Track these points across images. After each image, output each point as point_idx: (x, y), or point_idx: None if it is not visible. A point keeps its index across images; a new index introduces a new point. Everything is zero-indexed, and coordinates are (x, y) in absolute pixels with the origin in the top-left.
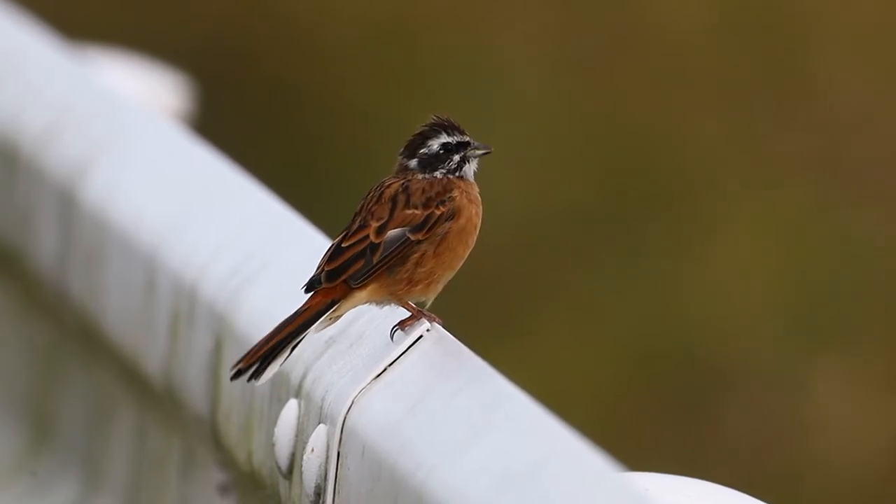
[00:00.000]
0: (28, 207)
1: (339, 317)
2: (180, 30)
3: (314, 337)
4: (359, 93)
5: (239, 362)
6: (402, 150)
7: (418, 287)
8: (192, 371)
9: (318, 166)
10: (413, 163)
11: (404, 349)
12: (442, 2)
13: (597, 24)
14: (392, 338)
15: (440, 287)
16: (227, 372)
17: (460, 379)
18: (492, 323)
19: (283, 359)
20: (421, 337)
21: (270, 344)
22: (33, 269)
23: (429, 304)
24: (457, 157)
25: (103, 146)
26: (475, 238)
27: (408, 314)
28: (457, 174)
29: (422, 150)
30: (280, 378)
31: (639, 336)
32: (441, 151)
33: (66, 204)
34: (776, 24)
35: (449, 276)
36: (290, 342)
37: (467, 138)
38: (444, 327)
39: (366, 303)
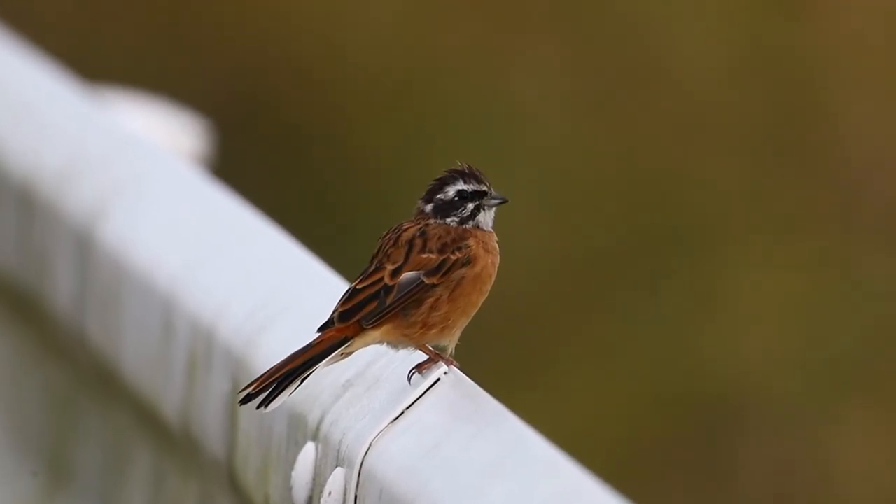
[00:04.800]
0: (45, 250)
1: (350, 353)
2: (198, 73)
3: (332, 380)
4: (374, 139)
5: (248, 386)
6: (423, 194)
7: (433, 331)
8: (209, 414)
9: (334, 211)
10: (428, 207)
11: (422, 392)
12: (457, 47)
13: (614, 68)
14: (409, 381)
15: (457, 333)
16: (244, 414)
17: (478, 422)
18: (509, 366)
19: (293, 390)
20: (438, 380)
21: (282, 372)
22: (50, 311)
23: (450, 349)
24: (471, 206)
25: (120, 188)
26: (490, 286)
27: (425, 357)
28: (470, 223)
29: (438, 196)
30: (297, 421)
31: (656, 380)
32: (456, 198)
33: (83, 246)
34: (793, 70)
35: (464, 322)
36: (300, 373)
37: (484, 187)
38: (461, 370)
39: (379, 343)
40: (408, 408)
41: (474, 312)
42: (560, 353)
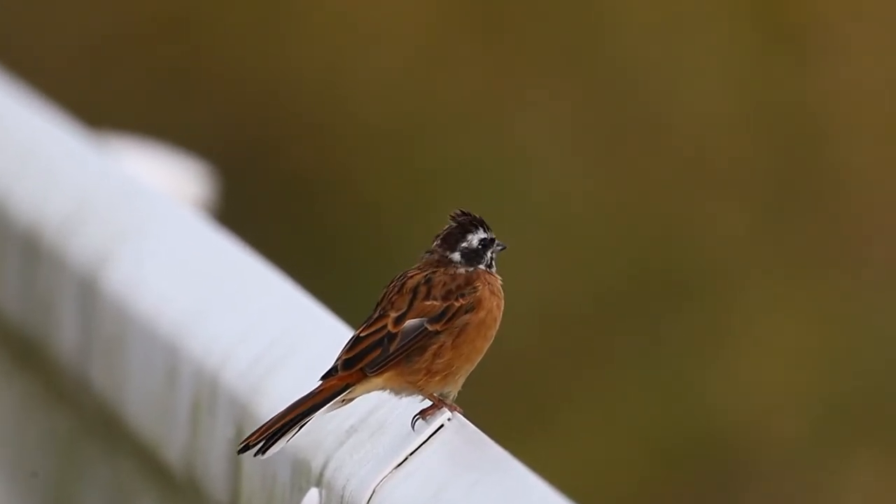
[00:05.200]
0: (50, 296)
1: (351, 400)
2: (203, 120)
3: (335, 426)
4: (378, 187)
5: (247, 438)
6: (438, 242)
7: (437, 378)
8: (213, 460)
9: (338, 258)
10: (456, 256)
11: (425, 438)
12: (462, 96)
13: (619, 117)
14: (413, 427)
15: (461, 380)
16: (248, 460)
17: (481, 468)
18: (513, 413)
19: (291, 436)
20: (442, 426)
21: (280, 423)
22: (55, 357)
23: (452, 396)
24: (489, 254)
25: (125, 235)
26: (495, 331)
27: (429, 403)
28: (492, 269)
29: (463, 245)
30: (301, 466)
31: (663, 426)
32: (480, 247)
33: (88, 293)
34: (797, 118)
35: (468, 368)
36: (299, 421)
37: (493, 235)
38: (465, 416)
39: (381, 389)
40: (411, 454)
41: (479, 359)
42: (565, 399)
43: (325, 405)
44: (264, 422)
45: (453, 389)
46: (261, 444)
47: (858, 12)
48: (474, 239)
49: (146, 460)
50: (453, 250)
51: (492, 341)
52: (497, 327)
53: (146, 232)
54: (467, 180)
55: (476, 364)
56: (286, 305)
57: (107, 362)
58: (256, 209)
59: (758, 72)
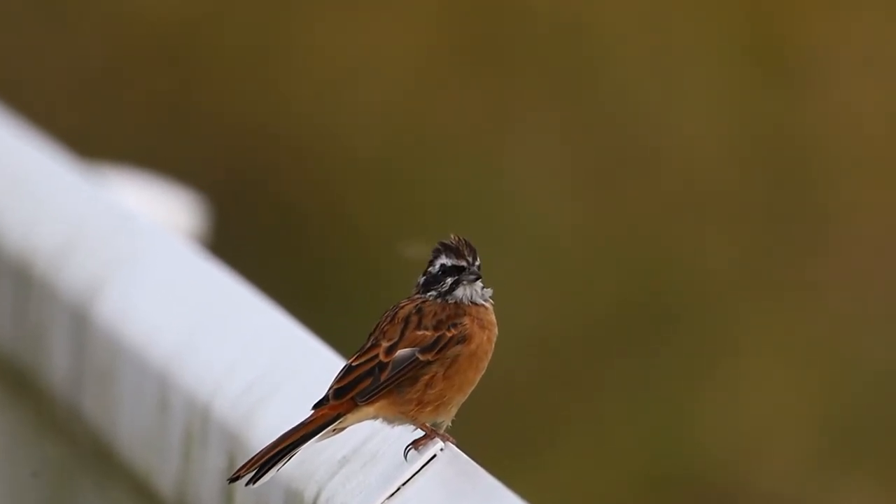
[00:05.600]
0: (41, 326)
1: (342, 429)
2: (194, 151)
3: (328, 456)
4: (369, 218)
5: (239, 469)
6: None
7: (429, 408)
8: (204, 489)
9: (328, 287)
10: (420, 280)
11: (418, 468)
12: (453, 125)
13: (611, 146)
14: (406, 457)
15: (453, 410)
16: (240, 490)
17: (474, 499)
18: (506, 443)
19: (282, 465)
20: (434, 456)
21: (271, 453)
22: (46, 387)
23: (444, 427)
24: (449, 280)
25: (116, 265)
26: (486, 363)
27: (421, 433)
28: (448, 297)
29: (428, 269)
30: (294, 497)
31: (653, 457)
32: (439, 272)
33: (80, 322)
34: (789, 150)
35: (460, 399)
36: (290, 451)
37: (463, 262)
38: (457, 447)
39: (373, 419)
40: (404, 484)
41: (471, 389)
42: (558, 429)
43: (316, 435)
44: (256, 451)
45: (446, 419)
46: (252, 473)
47: (849, 45)
48: (437, 264)
49: (138, 490)
50: (423, 275)
51: (483, 372)
52: (489, 359)
53: (138, 262)
54: (458, 211)
55: (468, 395)
56: (277, 335)
57: (99, 392)
58: (247, 239)
59: (748, 103)
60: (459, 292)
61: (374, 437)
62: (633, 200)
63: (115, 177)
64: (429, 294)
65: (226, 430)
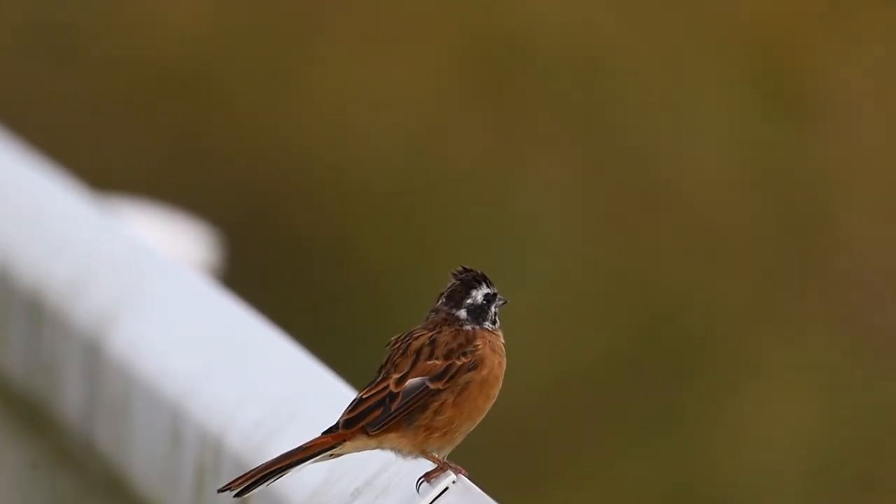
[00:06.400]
0: (54, 359)
1: (340, 455)
2: (207, 183)
3: (340, 489)
4: (379, 253)
5: (230, 483)
6: (443, 300)
7: (436, 435)
8: None
9: (341, 321)
10: (462, 313)
11: (429, 501)
12: (464, 160)
13: (622, 184)
14: (418, 490)
15: (459, 438)
16: None
17: None
18: (518, 477)
19: (272, 481)
20: (447, 489)
21: (266, 471)
22: (59, 420)
23: (444, 454)
24: (493, 309)
25: (129, 298)
26: (497, 391)
27: (433, 465)
28: (496, 325)
29: (468, 301)
30: None
31: (667, 493)
32: (485, 303)
33: (92, 355)
34: (801, 188)
35: (469, 427)
36: (284, 471)
37: (495, 290)
38: (469, 479)
39: (375, 448)
40: None
41: (480, 418)
42: (570, 464)
43: (312, 458)
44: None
45: (450, 448)
46: (241, 488)
47: (860, 79)
48: (479, 295)
49: None
50: (459, 307)
51: (494, 400)
52: (499, 386)
53: (150, 295)
54: (469, 246)
55: (476, 423)
56: (289, 368)
57: (111, 425)
58: (260, 272)
59: (760, 138)
60: (497, 320)
61: (386, 469)
62: (646, 235)
63: (128, 210)
64: (486, 324)
65: (238, 463)
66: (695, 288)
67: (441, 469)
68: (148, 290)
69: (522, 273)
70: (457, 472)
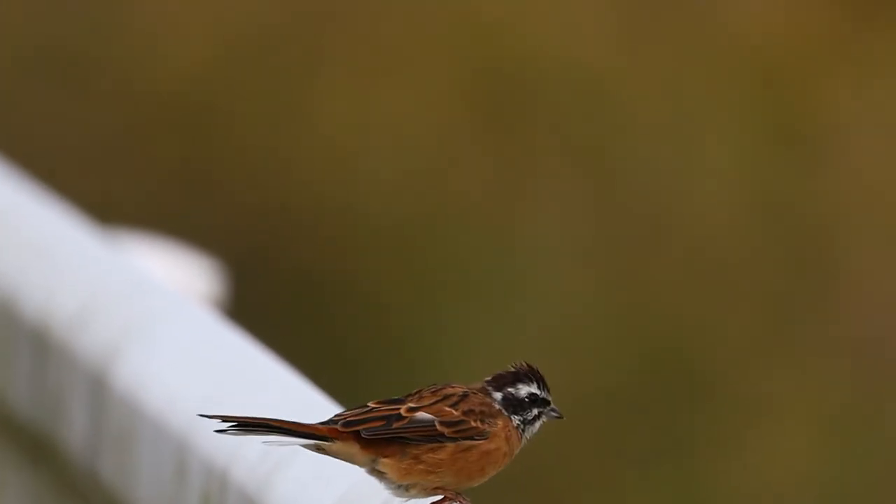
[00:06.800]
0: (59, 391)
1: (326, 452)
2: (212, 216)
3: None
4: (385, 283)
5: (223, 416)
6: (489, 378)
7: (420, 468)
8: None
9: (346, 353)
10: (498, 395)
11: None
12: (469, 193)
13: (628, 215)
14: None
15: (437, 483)
16: None
17: None
18: None
19: (256, 435)
20: None
21: (256, 422)
22: (64, 453)
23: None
24: (535, 411)
25: (134, 330)
26: (491, 472)
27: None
28: (529, 427)
29: (509, 389)
30: None
31: None
32: (526, 399)
33: (97, 388)
34: (805, 220)
35: (450, 484)
36: (272, 432)
37: (549, 397)
38: None
39: (363, 463)
40: None
41: (465, 485)
42: (576, 496)
43: (302, 438)
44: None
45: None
46: (231, 424)
47: (865, 113)
48: (524, 389)
49: None
50: (498, 390)
51: (483, 480)
52: (494, 472)
53: (156, 327)
54: (474, 279)
55: (458, 486)
56: (295, 400)
57: (116, 457)
58: (266, 305)
59: (766, 172)
60: (536, 426)
61: (392, 501)
62: (651, 268)
63: (133, 242)
64: (514, 417)
65: (244, 495)
66: (698, 321)
67: (448, 500)
68: (153, 323)
69: (526, 304)
70: (462, 502)
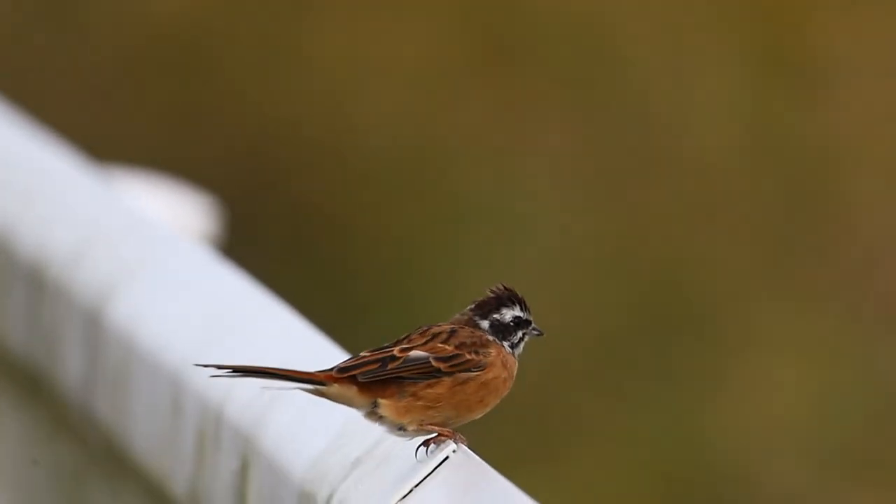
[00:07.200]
0: (55, 329)
1: (324, 395)
2: (208, 153)
3: (341, 457)
4: (382, 219)
5: (218, 365)
6: (473, 306)
7: (419, 404)
8: (218, 492)
9: (342, 288)
10: (485, 324)
11: (430, 470)
12: (465, 126)
13: (625, 150)
14: (416, 455)
15: (438, 419)
16: (254, 492)
17: (486, 500)
18: (519, 446)
19: (257, 379)
20: (447, 458)
21: (254, 369)
22: (60, 390)
23: (411, 426)
24: (520, 333)
25: (130, 268)
26: (492, 402)
27: (433, 434)
28: (515, 350)
29: (494, 315)
30: (306, 499)
31: (666, 462)
32: (511, 324)
33: (93, 325)
34: (803, 154)
35: (451, 418)
36: (271, 378)
37: (530, 318)
38: (469, 448)
39: (361, 406)
40: (416, 486)
41: (466, 418)
42: (571, 432)
43: (298, 383)
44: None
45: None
46: (225, 371)
47: (865, 48)
48: (508, 314)
49: (151, 492)
50: (484, 318)
51: (485, 410)
52: (496, 401)
53: (151, 265)
54: (471, 213)
55: (459, 420)
56: (291, 337)
57: (112, 395)
58: (261, 241)
59: (764, 106)
60: (521, 347)
61: (386, 438)
62: (647, 204)
63: (129, 180)
64: (505, 343)
65: (239, 433)
66: (696, 255)
67: (441, 437)
68: (149, 261)
69: (522, 239)
70: (457, 441)
